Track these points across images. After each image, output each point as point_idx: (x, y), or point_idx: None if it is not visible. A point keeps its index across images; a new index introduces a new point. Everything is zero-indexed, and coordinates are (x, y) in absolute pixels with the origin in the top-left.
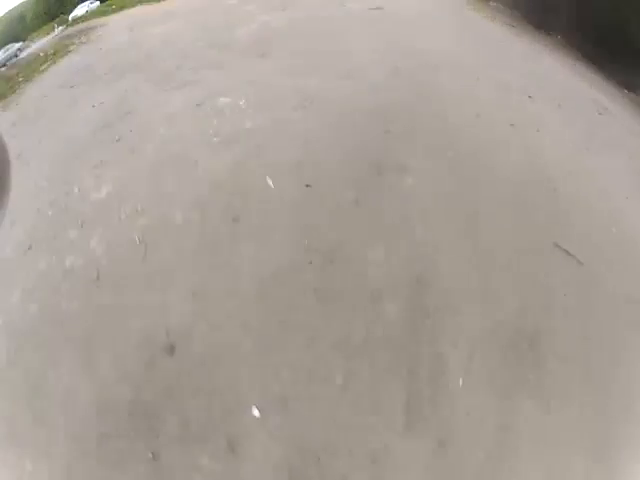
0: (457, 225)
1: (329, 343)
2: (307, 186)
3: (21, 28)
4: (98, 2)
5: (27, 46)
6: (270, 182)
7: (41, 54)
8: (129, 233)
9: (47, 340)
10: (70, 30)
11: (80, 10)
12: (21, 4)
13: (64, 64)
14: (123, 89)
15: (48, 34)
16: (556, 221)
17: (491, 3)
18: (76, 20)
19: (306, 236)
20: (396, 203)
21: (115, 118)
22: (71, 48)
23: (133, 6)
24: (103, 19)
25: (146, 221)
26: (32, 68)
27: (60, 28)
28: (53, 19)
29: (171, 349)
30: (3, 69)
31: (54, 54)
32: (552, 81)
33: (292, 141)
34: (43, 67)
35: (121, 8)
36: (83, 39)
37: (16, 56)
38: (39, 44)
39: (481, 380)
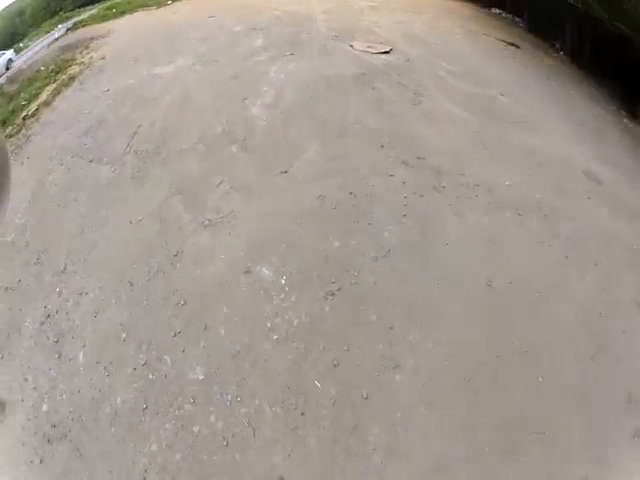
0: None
1: None
2: (339, 385)
3: (20, 23)
4: (11, 51)
5: (19, 54)
6: (318, 384)
7: (42, 68)
8: (240, 418)
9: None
10: (71, 37)
11: None
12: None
13: (71, 104)
14: (157, 203)
15: (47, 33)
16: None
17: (493, 10)
18: (76, 25)
19: (341, 430)
20: (388, 399)
21: (165, 260)
22: (75, 70)
23: (133, 11)
24: (104, 27)
25: (248, 409)
26: (35, 89)
27: (60, 27)
28: (52, 14)
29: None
30: (3, 82)
31: (57, 73)
32: (549, 177)
33: (328, 344)
34: (46, 93)
35: (122, 13)
36: (85, 57)
37: (7, 68)
38: (39, 50)
39: None
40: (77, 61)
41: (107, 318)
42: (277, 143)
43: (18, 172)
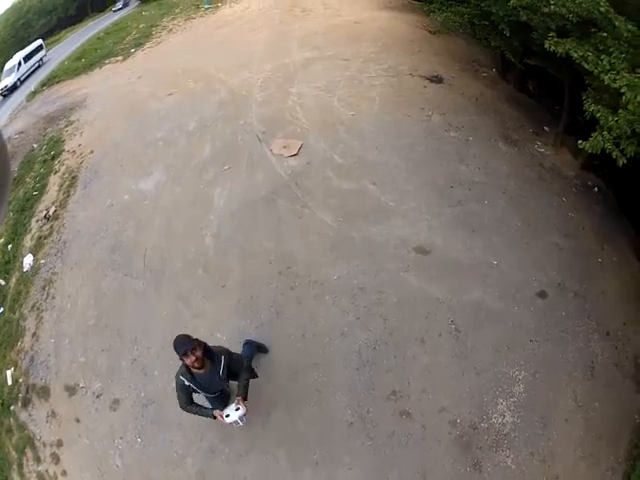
0: None
1: None
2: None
3: None
4: None
5: None
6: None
7: (35, 145)
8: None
9: None
10: (49, 98)
11: None
12: None
13: (87, 215)
14: (172, 304)
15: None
16: None
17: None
18: (50, 80)
19: None
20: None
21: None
22: (70, 162)
23: (101, 64)
24: (78, 89)
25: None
26: (38, 176)
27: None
28: (20, 41)
29: None
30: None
31: (52, 158)
32: None
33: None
34: (55, 190)
35: (91, 65)
36: (74, 141)
37: None
38: (19, 107)
39: None
40: (67, 147)
41: (163, 357)
42: (219, 267)
43: (72, 275)
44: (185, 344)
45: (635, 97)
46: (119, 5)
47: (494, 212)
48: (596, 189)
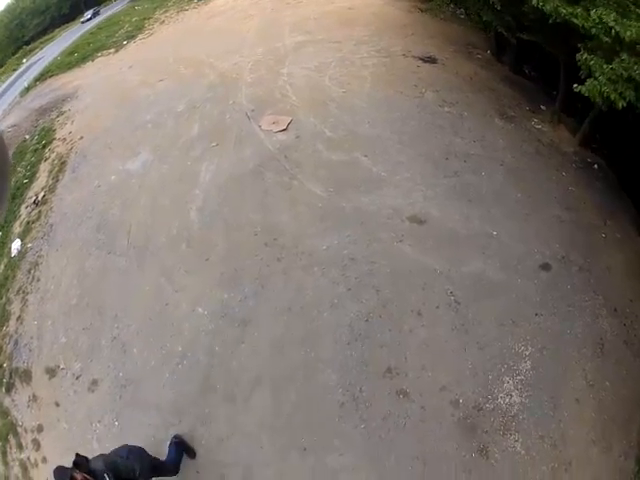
0: None
1: None
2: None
3: None
4: None
5: None
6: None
7: (27, 137)
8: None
9: None
10: (41, 92)
11: None
12: None
13: (74, 197)
14: (154, 280)
15: (14, 70)
16: None
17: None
18: (43, 75)
19: None
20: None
21: (162, 307)
22: (60, 149)
23: (94, 57)
24: (70, 82)
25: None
26: (29, 165)
27: (25, 62)
28: (15, 42)
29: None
30: None
31: (43, 147)
32: None
33: (230, 313)
34: (45, 175)
35: (83, 59)
36: (64, 130)
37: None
38: (13, 102)
39: None
40: (58, 135)
41: (144, 334)
42: (203, 241)
43: (57, 256)
44: (62, 475)
45: (625, 32)
46: (88, 15)
47: (492, 184)
48: (596, 166)
